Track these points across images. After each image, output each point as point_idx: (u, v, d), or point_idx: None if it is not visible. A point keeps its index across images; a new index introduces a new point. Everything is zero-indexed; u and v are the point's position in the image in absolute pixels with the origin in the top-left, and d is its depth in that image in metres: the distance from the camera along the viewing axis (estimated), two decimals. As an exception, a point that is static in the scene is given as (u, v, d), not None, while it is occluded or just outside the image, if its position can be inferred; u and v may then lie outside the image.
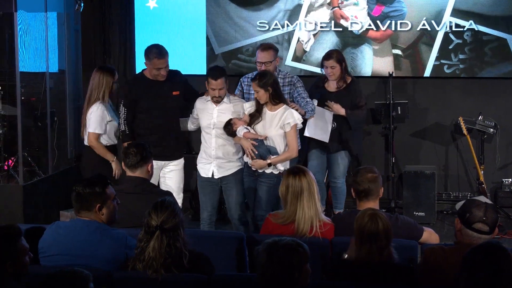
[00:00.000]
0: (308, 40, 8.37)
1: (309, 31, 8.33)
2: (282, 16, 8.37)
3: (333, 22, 8.28)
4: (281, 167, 5.81)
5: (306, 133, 6.77)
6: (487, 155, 7.95)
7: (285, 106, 5.85)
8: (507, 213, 7.75)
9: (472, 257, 3.07)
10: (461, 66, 8.18)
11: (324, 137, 6.78)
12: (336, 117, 6.86)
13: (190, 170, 6.55)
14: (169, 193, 4.97)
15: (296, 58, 8.42)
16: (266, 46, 6.50)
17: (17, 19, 7.17)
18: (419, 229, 4.67)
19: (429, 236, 4.68)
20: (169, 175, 6.26)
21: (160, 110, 6.15)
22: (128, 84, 6.29)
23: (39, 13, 7.74)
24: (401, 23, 8.17)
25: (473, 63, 8.17)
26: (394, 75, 8.05)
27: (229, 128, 5.91)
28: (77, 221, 3.99)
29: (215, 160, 6.03)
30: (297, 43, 8.40)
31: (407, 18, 8.15)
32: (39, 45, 7.71)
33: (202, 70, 8.32)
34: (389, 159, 8.03)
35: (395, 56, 8.27)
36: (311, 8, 8.30)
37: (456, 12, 8.05)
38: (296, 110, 5.96)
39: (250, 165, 5.87)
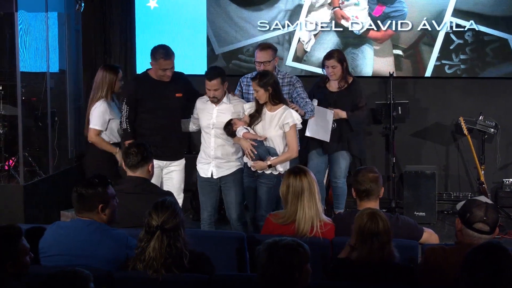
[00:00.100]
0: (309, 40, 8.37)
1: (310, 31, 8.33)
2: (283, 16, 8.37)
3: (333, 22, 8.28)
4: (280, 168, 5.80)
5: (307, 133, 6.77)
6: (487, 155, 7.95)
7: (284, 106, 5.84)
8: (508, 213, 7.75)
9: (472, 257, 3.07)
10: (462, 66, 8.18)
11: (325, 136, 6.78)
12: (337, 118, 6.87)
13: (190, 170, 6.54)
14: (169, 193, 4.97)
15: (296, 58, 8.42)
16: (264, 46, 6.52)
17: (17, 19, 7.17)
18: (419, 229, 4.67)
19: (429, 236, 4.69)
20: (170, 176, 6.27)
21: (164, 111, 6.14)
22: (132, 83, 6.28)
23: (39, 13, 7.74)
24: (401, 23, 8.17)
25: (474, 63, 8.17)
26: (394, 75, 8.05)
27: (229, 128, 5.91)
28: (78, 221, 3.99)
29: (214, 160, 6.03)
30: (297, 43, 8.40)
31: (407, 18, 8.15)
32: (39, 45, 7.71)
33: (203, 70, 8.23)
34: (390, 159, 8.04)
35: (396, 57, 8.27)
36: (311, 8, 8.30)
37: (457, 12, 8.05)
38: (296, 110, 5.96)
39: (250, 166, 5.87)
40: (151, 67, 6.25)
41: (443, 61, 8.19)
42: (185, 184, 6.48)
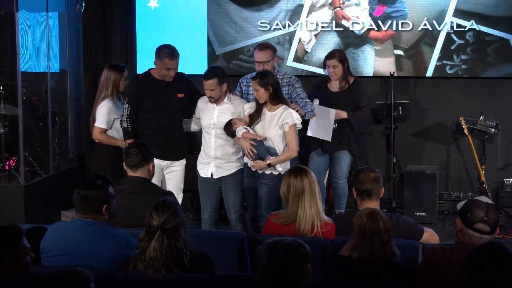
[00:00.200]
0: (310, 41, 8.36)
1: (311, 31, 8.32)
2: (283, 17, 8.36)
3: (334, 22, 8.27)
4: (279, 168, 5.80)
5: (309, 133, 6.77)
6: (488, 155, 7.95)
7: (284, 106, 5.84)
8: (509, 213, 7.75)
9: (473, 257, 3.06)
10: (463, 66, 8.17)
11: (327, 136, 6.78)
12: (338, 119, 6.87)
13: (191, 170, 6.54)
14: (170, 193, 4.97)
15: (297, 59, 8.42)
16: (264, 46, 6.53)
17: (18, 19, 7.18)
18: (419, 229, 4.68)
19: (430, 236, 4.69)
20: (170, 175, 6.27)
21: (165, 111, 6.14)
22: (134, 83, 6.28)
23: (40, 13, 7.74)
24: (402, 23, 8.16)
25: (475, 63, 8.16)
26: (395, 75, 8.04)
27: (229, 128, 5.91)
28: (78, 221, 3.99)
29: (214, 160, 6.03)
30: (298, 43, 8.39)
31: (408, 18, 8.14)
32: (40, 45, 7.71)
33: (203, 71, 8.28)
34: (390, 159, 8.03)
35: (397, 57, 8.26)
36: (312, 9, 8.30)
37: (458, 13, 8.04)
38: (297, 111, 5.96)
39: (250, 166, 5.87)
40: (151, 67, 6.26)
41: (444, 61, 8.18)
42: (185, 184, 6.48)
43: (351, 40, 8.30)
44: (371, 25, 8.20)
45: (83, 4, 8.10)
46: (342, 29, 8.28)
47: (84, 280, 3.04)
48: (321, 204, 4.68)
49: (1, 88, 7.52)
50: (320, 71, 8.09)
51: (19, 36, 7.19)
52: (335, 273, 3.86)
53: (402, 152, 8.32)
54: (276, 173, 5.82)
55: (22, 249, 3.45)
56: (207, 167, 6.08)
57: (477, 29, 8.04)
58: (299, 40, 8.38)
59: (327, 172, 7.32)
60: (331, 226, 4.61)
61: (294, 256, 3.19)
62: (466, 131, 7.74)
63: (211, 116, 6.01)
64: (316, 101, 6.77)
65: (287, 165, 5.82)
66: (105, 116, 6.32)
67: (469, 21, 8.03)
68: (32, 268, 3.53)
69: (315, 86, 7.15)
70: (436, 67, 8.20)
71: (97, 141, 6.48)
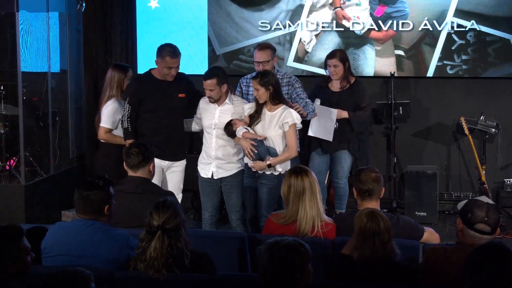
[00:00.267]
0: (310, 41, 8.35)
1: (311, 31, 8.32)
2: (284, 17, 8.36)
3: (335, 22, 8.26)
4: (279, 169, 5.79)
5: (310, 133, 6.77)
6: (488, 155, 7.94)
7: (284, 106, 5.84)
8: (509, 213, 7.75)
9: (474, 257, 3.06)
10: (464, 67, 8.17)
11: (328, 136, 6.78)
12: (340, 118, 6.86)
13: (191, 170, 6.54)
14: (170, 193, 4.97)
15: (297, 59, 8.41)
16: (263, 46, 6.53)
17: (19, 19, 7.18)
18: (420, 229, 4.67)
19: (430, 236, 4.69)
20: (170, 176, 6.26)
21: (166, 111, 6.14)
22: (134, 83, 6.28)
23: (41, 13, 7.74)
24: (403, 23, 8.15)
25: (476, 64, 8.15)
26: (396, 75, 8.04)
27: (229, 129, 5.91)
28: (79, 221, 3.99)
29: (215, 161, 6.03)
30: (298, 43, 8.39)
31: (409, 18, 8.13)
32: (40, 45, 7.71)
33: (204, 70, 8.28)
34: (391, 159, 8.03)
35: (398, 57, 8.25)
36: (313, 9, 8.29)
37: (458, 13, 8.04)
38: (299, 112, 5.96)
39: (250, 167, 5.87)
40: (152, 66, 6.25)
41: (445, 62, 8.18)
42: (186, 184, 6.47)
43: (352, 40, 8.29)
44: (372, 25, 8.20)
45: (84, 4, 8.10)
46: (342, 29, 8.27)
47: (85, 280, 3.04)
48: (322, 204, 4.68)
49: (2, 88, 7.52)
50: (321, 71, 8.09)
51: (20, 36, 7.19)
52: (335, 273, 3.86)
53: (402, 152, 8.31)
54: (276, 173, 5.82)
55: (22, 249, 3.45)
56: (207, 168, 6.08)
57: (478, 29, 8.03)
58: (300, 40, 8.38)
59: (328, 172, 7.32)
60: (332, 226, 4.61)
61: (294, 256, 3.19)
62: (466, 131, 7.74)
63: (212, 116, 6.01)
64: (318, 101, 6.78)
65: (287, 165, 5.82)
66: (111, 116, 6.32)
67: (469, 21, 8.02)
68: (33, 268, 3.53)
69: (316, 86, 7.16)
70: (437, 67, 8.19)
71: (102, 141, 6.48)
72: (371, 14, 8.19)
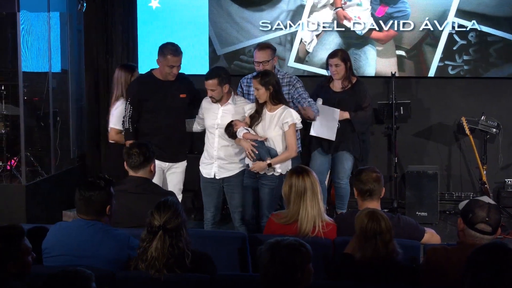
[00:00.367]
0: (311, 41, 8.34)
1: (312, 31, 8.31)
2: (285, 17, 8.35)
3: (335, 22, 8.25)
4: (279, 169, 5.78)
5: (312, 132, 6.77)
6: (489, 155, 7.94)
7: (284, 106, 5.84)
8: (510, 213, 7.75)
9: (476, 257, 3.06)
10: (465, 67, 8.15)
11: (331, 135, 6.77)
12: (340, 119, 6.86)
13: (192, 170, 6.54)
14: (171, 193, 4.98)
15: (298, 59, 8.40)
16: (263, 46, 6.53)
17: (19, 19, 7.19)
18: (420, 230, 4.67)
19: (431, 237, 4.69)
20: (169, 177, 6.25)
21: (167, 111, 6.13)
22: (136, 83, 6.28)
23: (41, 13, 7.75)
24: (404, 23, 8.14)
25: (478, 64, 8.13)
26: (397, 75, 8.04)
27: (230, 130, 5.90)
28: (80, 221, 3.99)
29: (217, 161, 6.03)
30: (299, 44, 8.37)
31: (410, 18, 8.12)
32: (41, 45, 7.72)
33: (205, 70, 8.30)
34: (392, 159, 8.03)
35: (399, 57, 8.23)
36: (314, 9, 8.28)
37: (460, 13, 8.02)
38: (309, 116, 5.99)
39: (250, 169, 5.86)
40: (153, 66, 6.25)
41: (446, 62, 8.16)
42: (186, 184, 6.47)
43: (353, 41, 8.28)
44: (373, 25, 8.18)
45: (85, 4, 8.10)
46: (343, 29, 8.26)
47: (85, 280, 3.04)
48: (323, 204, 4.68)
49: (3, 88, 7.53)
50: (322, 71, 8.09)
51: (21, 36, 7.20)
52: (336, 273, 3.85)
53: (403, 152, 8.31)
54: (277, 174, 5.81)
55: (23, 249, 3.45)
56: (209, 168, 6.07)
57: (479, 29, 8.02)
58: (301, 41, 8.36)
59: (328, 172, 7.32)
60: (333, 226, 4.61)
61: (295, 256, 3.19)
62: (467, 131, 7.74)
63: (215, 116, 6.01)
64: (320, 101, 6.77)
65: (288, 166, 5.81)
66: (120, 117, 6.33)
67: (470, 21, 8.01)
68: (34, 268, 3.53)
69: (317, 86, 7.16)
70: (438, 67, 8.18)
71: (112, 141, 6.48)
72: (372, 14, 8.18)
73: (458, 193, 8.35)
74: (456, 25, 8.05)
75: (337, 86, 7.01)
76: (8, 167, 7.49)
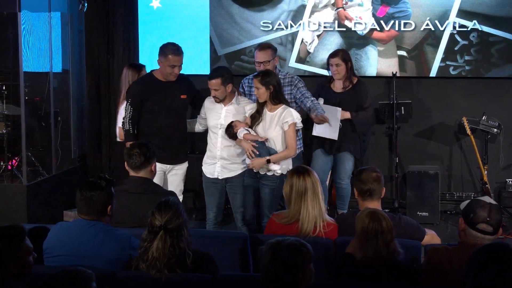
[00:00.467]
0: (312, 41, 8.34)
1: (313, 31, 8.30)
2: (286, 17, 8.34)
3: (337, 22, 8.24)
4: (278, 170, 5.78)
5: (314, 133, 6.77)
6: (490, 155, 7.94)
7: (284, 106, 5.83)
8: (511, 213, 7.74)
9: (477, 257, 3.06)
10: (467, 67, 8.14)
11: (333, 135, 6.76)
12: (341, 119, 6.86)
13: (193, 170, 6.54)
14: (172, 193, 4.97)
15: (299, 60, 8.40)
16: (264, 46, 6.53)
17: (21, 19, 7.19)
18: (421, 231, 4.67)
19: (431, 239, 4.68)
20: (170, 179, 6.23)
21: (168, 112, 6.12)
22: (136, 84, 6.27)
23: (42, 13, 7.76)
24: (405, 23, 8.14)
25: (479, 64, 8.12)
26: (398, 75, 8.03)
27: (230, 131, 5.90)
28: (81, 222, 3.99)
29: (220, 161, 6.02)
30: (300, 44, 8.37)
31: (412, 19, 8.12)
32: (42, 45, 7.73)
33: (206, 70, 8.33)
34: (393, 159, 8.03)
35: (400, 58, 8.23)
36: (315, 9, 8.28)
37: (461, 13, 8.01)
38: (322, 120, 6.03)
39: (249, 167, 5.85)
40: (154, 66, 6.25)
41: (448, 62, 8.16)
42: (188, 184, 6.47)
43: (354, 41, 8.27)
44: (374, 26, 8.17)
45: (86, 4, 8.10)
46: (344, 29, 8.25)
47: (85, 279, 3.04)
48: (324, 204, 4.67)
49: (4, 88, 7.53)
50: (323, 72, 8.08)
51: (22, 36, 7.20)
52: (337, 273, 3.85)
53: (404, 152, 8.31)
54: (278, 174, 5.80)
55: (24, 249, 3.44)
56: (212, 168, 6.07)
57: (480, 29, 8.01)
58: (302, 41, 8.36)
59: (330, 172, 7.31)
60: (334, 226, 4.61)
61: (296, 256, 3.19)
62: (468, 131, 7.74)
63: (218, 116, 6.00)
64: (321, 101, 6.77)
65: (289, 166, 5.81)
66: None
67: (471, 21, 8.01)
68: (35, 268, 3.53)
69: (318, 87, 7.16)
70: (440, 68, 8.17)
71: (120, 141, 6.48)
72: (373, 15, 8.17)
73: (459, 193, 8.35)
74: (457, 25, 8.05)
75: (338, 86, 7.01)
76: (9, 167, 7.49)
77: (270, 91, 5.77)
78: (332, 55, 6.99)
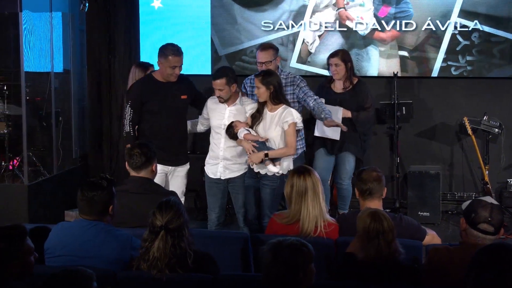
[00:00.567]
0: (313, 42, 8.33)
1: (314, 31, 8.30)
2: (287, 17, 8.34)
3: (338, 22, 8.24)
4: (277, 170, 5.77)
5: (316, 133, 6.76)
6: (492, 155, 7.94)
7: (284, 105, 5.82)
8: (512, 213, 7.75)
9: (479, 258, 3.06)
10: (468, 68, 8.14)
11: (335, 135, 6.76)
12: (343, 119, 6.85)
13: (194, 170, 6.53)
14: (173, 193, 4.97)
15: (301, 60, 8.40)
16: (265, 46, 6.52)
17: (22, 19, 7.19)
18: (422, 231, 4.67)
19: (431, 239, 4.68)
20: (172, 181, 6.22)
21: (169, 112, 6.11)
22: (136, 86, 6.26)
23: (44, 13, 7.76)
24: (406, 23, 8.14)
25: (481, 64, 8.12)
26: (399, 75, 8.03)
27: (230, 131, 5.89)
28: (82, 222, 3.99)
29: (222, 161, 6.01)
30: (302, 44, 8.37)
31: (413, 19, 8.11)
32: (44, 45, 7.73)
33: (207, 71, 8.33)
34: (394, 159, 8.03)
35: (402, 58, 8.23)
36: (316, 9, 8.27)
37: (463, 13, 8.01)
38: (332, 125, 6.06)
39: (248, 164, 5.84)
40: (157, 68, 6.24)
41: (449, 63, 8.16)
42: (189, 184, 6.45)
43: (355, 41, 8.27)
44: (375, 26, 8.17)
45: (87, 4, 8.11)
46: (346, 29, 8.25)
47: (86, 279, 3.04)
48: (325, 204, 4.67)
49: (5, 88, 7.54)
50: (324, 72, 8.09)
51: (23, 36, 7.21)
52: (338, 273, 3.85)
53: (405, 152, 8.31)
54: (278, 174, 5.79)
55: (25, 249, 3.44)
56: (215, 168, 6.05)
57: (481, 29, 8.01)
58: (303, 41, 8.36)
59: (331, 173, 7.31)
60: (335, 226, 4.61)
61: (297, 256, 3.19)
62: (469, 131, 7.74)
63: (221, 116, 5.99)
64: (322, 101, 6.76)
65: (290, 166, 5.81)
66: None
67: (473, 21, 8.00)
68: (36, 268, 3.53)
69: (318, 87, 7.15)
70: (441, 68, 8.17)
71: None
72: (374, 15, 8.17)
73: (460, 193, 8.35)
74: (458, 25, 8.04)
75: (338, 86, 7.00)
76: (11, 167, 7.50)
77: (270, 91, 5.76)
78: (332, 55, 6.99)
